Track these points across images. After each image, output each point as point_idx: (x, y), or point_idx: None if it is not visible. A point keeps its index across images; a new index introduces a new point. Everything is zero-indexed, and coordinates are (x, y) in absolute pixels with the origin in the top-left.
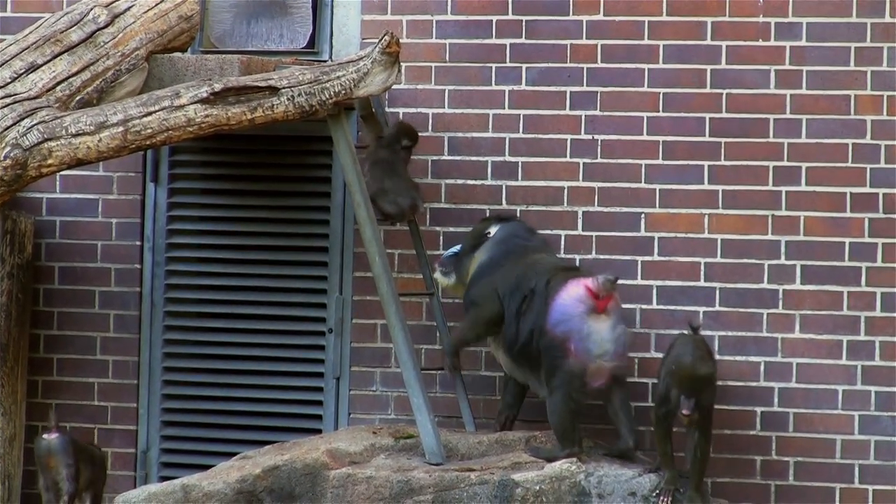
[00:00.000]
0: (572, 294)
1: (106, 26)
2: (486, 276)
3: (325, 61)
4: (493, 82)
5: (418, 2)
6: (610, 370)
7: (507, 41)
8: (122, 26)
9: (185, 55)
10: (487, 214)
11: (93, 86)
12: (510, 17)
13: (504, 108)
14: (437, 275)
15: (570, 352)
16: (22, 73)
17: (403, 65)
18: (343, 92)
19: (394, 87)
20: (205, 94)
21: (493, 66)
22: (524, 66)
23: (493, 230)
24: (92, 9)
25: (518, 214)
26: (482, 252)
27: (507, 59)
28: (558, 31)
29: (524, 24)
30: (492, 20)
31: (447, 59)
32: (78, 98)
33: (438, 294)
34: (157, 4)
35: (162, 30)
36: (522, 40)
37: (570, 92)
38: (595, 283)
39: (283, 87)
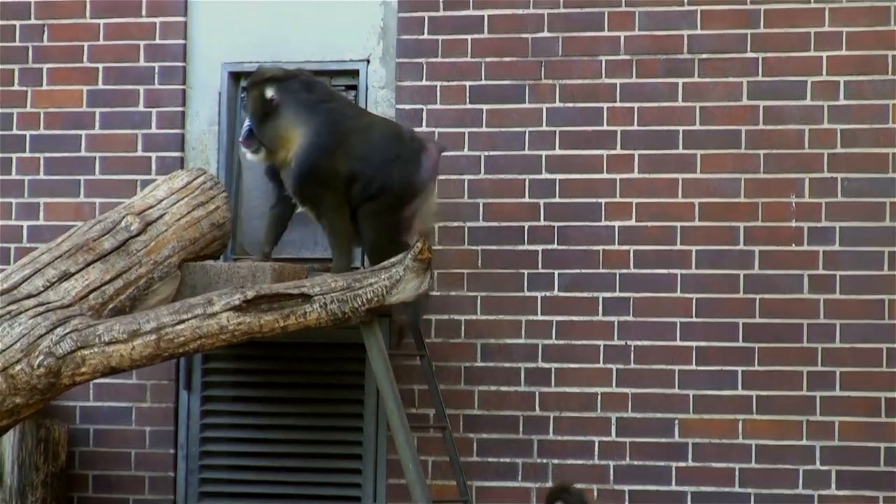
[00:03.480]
0: (433, 157)
1: (138, 234)
2: (323, 154)
3: (357, 268)
4: (526, 288)
5: (450, 209)
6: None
7: (539, 247)
8: (154, 234)
9: (217, 262)
10: (259, 83)
11: (126, 293)
12: (542, 223)
13: (537, 315)
14: (248, 154)
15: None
16: (55, 282)
17: (436, 272)
18: (375, 299)
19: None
20: (237, 302)
21: (526, 272)
22: (556, 272)
23: (270, 93)
24: (124, 217)
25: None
26: (295, 118)
27: (540, 266)
28: (590, 236)
29: (556, 230)
30: (524, 226)
31: (479, 265)
32: (111, 306)
33: (472, 499)
34: (189, 212)
35: (194, 237)
36: (554, 246)
37: (603, 298)
38: (438, 147)
39: (316, 295)
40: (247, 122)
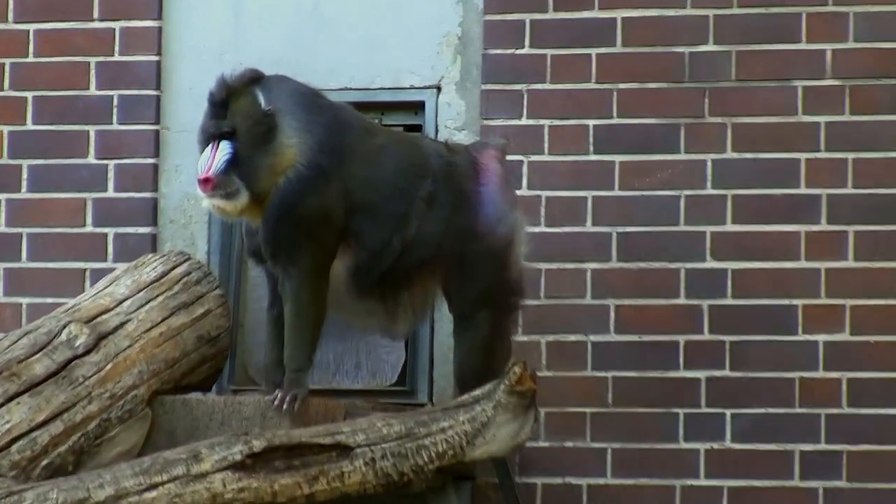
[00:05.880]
0: (496, 173)
1: (87, 353)
2: (320, 185)
3: (422, 405)
4: (682, 437)
5: (566, 314)
6: None
7: (703, 374)
8: (111, 352)
9: (208, 396)
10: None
11: (67, 443)
12: (706, 336)
13: (698, 478)
14: (217, 201)
15: (511, 258)
16: None
17: (542, 411)
18: (450, 452)
19: (528, 444)
20: (239, 457)
21: (681, 412)
22: (728, 412)
23: (263, 99)
24: (65, 326)
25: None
26: (294, 128)
27: (703, 402)
28: (780, 357)
29: (727, 347)
30: (678, 341)
31: (609, 401)
32: (45, 462)
33: None
34: (164, 319)
35: (173, 357)
36: (725, 372)
37: (800, 451)
38: (499, 150)
39: (359, 445)
40: (227, 149)
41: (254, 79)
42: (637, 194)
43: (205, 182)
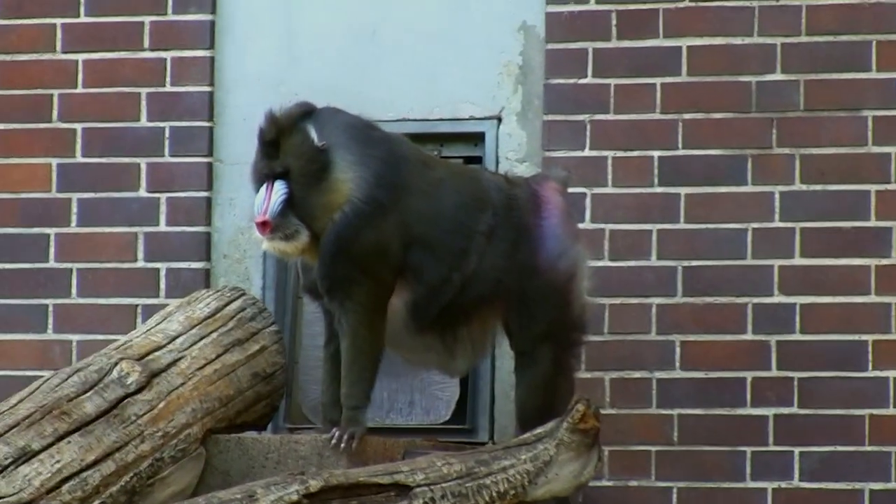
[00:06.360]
0: (558, 206)
1: (139, 391)
2: (377, 219)
3: (483, 444)
4: (749, 476)
5: (630, 350)
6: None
7: (770, 411)
8: (163, 391)
9: (263, 435)
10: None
11: (119, 484)
12: (774, 373)
13: None
14: (276, 244)
15: (574, 293)
16: (8, 464)
17: (606, 449)
18: (512, 492)
19: (591, 483)
20: (295, 497)
21: (748, 450)
22: (797, 450)
23: (315, 134)
24: (117, 364)
25: None
26: (348, 162)
27: (770, 440)
28: (850, 395)
29: (796, 384)
30: (745, 378)
31: (675, 439)
32: (97, 503)
33: None
34: (218, 357)
35: (227, 395)
36: (793, 409)
37: (870, 490)
38: (560, 182)
39: (418, 485)
40: (281, 189)
41: (304, 113)
42: (703, 227)
43: (262, 225)
